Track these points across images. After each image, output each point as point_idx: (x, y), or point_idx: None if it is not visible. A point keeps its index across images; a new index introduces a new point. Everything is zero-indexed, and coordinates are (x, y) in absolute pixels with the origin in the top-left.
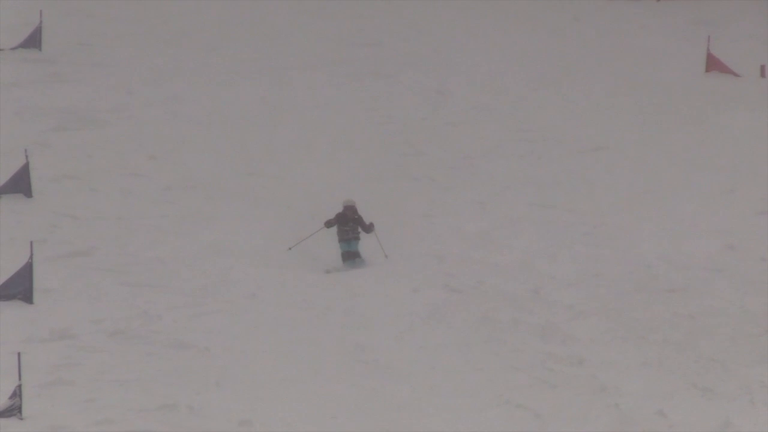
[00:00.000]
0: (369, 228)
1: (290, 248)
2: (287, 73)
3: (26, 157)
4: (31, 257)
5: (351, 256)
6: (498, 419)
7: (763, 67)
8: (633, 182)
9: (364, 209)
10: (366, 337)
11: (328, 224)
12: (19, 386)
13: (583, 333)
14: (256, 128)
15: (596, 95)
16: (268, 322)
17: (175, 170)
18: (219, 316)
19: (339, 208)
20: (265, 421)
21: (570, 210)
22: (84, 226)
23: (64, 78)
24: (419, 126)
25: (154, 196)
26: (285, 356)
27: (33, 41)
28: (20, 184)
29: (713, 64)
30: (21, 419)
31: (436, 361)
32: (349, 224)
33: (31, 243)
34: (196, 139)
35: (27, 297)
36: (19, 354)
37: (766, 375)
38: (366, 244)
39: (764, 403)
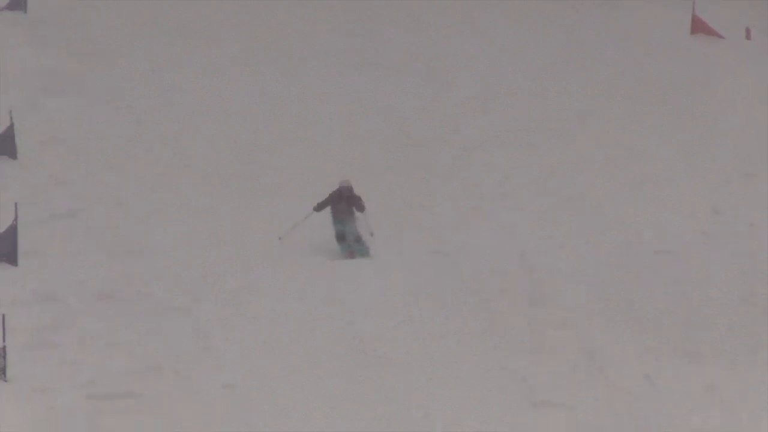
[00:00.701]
0: (361, 207)
1: (281, 238)
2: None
3: (11, 118)
4: (15, 219)
5: (346, 239)
6: (486, 383)
7: (748, 30)
8: (620, 148)
9: (362, 197)
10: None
11: (319, 207)
12: (4, 348)
13: (570, 298)
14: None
15: (583, 64)
16: (255, 285)
17: (159, 132)
18: (205, 280)
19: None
20: (248, 384)
21: (551, 180)
22: (69, 189)
23: (50, 41)
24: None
25: (140, 161)
26: (270, 321)
27: (18, 3)
28: (5, 146)
29: (699, 26)
30: (5, 381)
31: (423, 327)
32: (341, 204)
33: (16, 205)
34: (182, 101)
35: (12, 259)
36: (3, 316)
37: (750, 339)
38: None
39: (747, 367)
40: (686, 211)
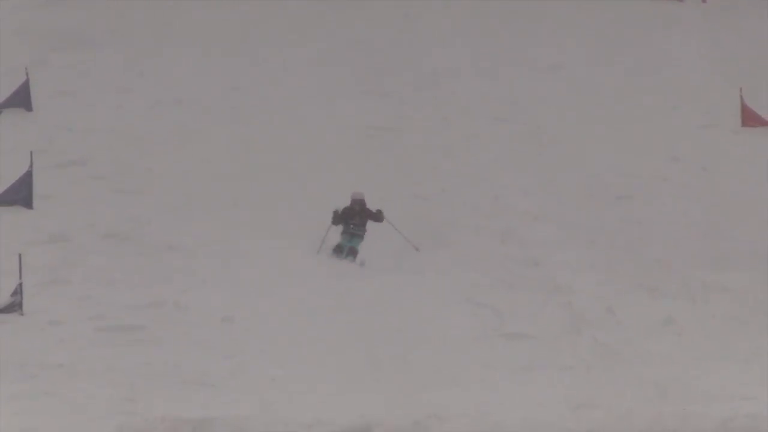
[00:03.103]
0: (378, 217)
1: (318, 251)
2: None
3: (26, 74)
4: (30, 166)
5: (345, 252)
6: (460, 316)
7: None
8: (584, 99)
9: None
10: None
11: (335, 221)
12: (20, 285)
13: (539, 237)
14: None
15: (553, 18)
16: (251, 223)
17: (163, 86)
18: (205, 220)
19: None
20: (245, 318)
21: (527, 125)
22: (79, 138)
23: (61, 1)
24: (385, 47)
25: (143, 111)
26: (266, 258)
27: None
28: (21, 98)
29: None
30: (21, 315)
31: (402, 261)
32: (355, 218)
33: (31, 153)
34: (183, 56)
35: (27, 203)
36: (20, 255)
37: (706, 276)
38: (389, 240)
39: (704, 301)
40: (647, 159)
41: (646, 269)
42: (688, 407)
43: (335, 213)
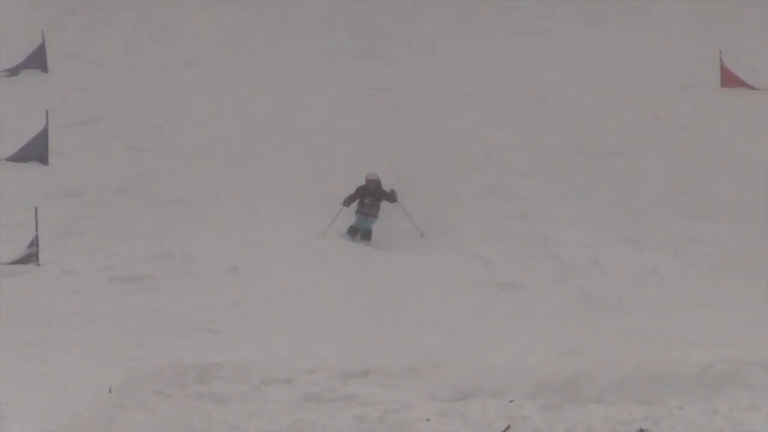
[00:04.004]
0: (392, 197)
1: (324, 233)
2: None
3: (42, 37)
4: (46, 124)
5: (359, 234)
6: (453, 266)
7: None
8: (571, 60)
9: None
10: (335, 193)
11: (347, 202)
12: (36, 237)
13: (528, 192)
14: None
15: None
16: (255, 178)
17: (171, 49)
18: (211, 176)
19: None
20: (249, 268)
21: (517, 85)
22: (92, 98)
23: None
24: (382, 12)
25: (153, 72)
26: (269, 211)
27: None
28: (37, 60)
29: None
30: (38, 265)
31: (398, 217)
32: (369, 198)
33: (47, 112)
34: (191, 19)
35: (43, 159)
36: (36, 209)
37: (687, 228)
38: (397, 223)
39: (685, 253)
40: (631, 118)
41: (630, 222)
42: (669, 353)
43: (347, 198)
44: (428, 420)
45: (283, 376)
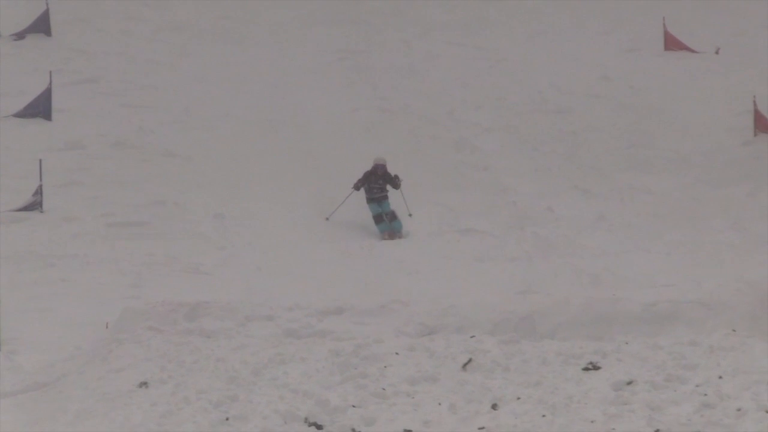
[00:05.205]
0: (396, 182)
1: (327, 218)
2: None
3: (47, 4)
4: (50, 84)
5: (385, 218)
6: (420, 213)
7: None
8: (528, 23)
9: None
10: (312, 146)
11: (357, 186)
12: (40, 186)
13: (488, 145)
14: None
15: None
16: (240, 132)
17: (164, 15)
18: (200, 130)
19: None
20: (235, 215)
21: (478, 47)
22: (92, 59)
23: None
24: None
25: (147, 36)
26: (253, 161)
27: None
28: (42, 25)
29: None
30: (42, 212)
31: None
32: (378, 182)
33: (50, 72)
34: None
35: (47, 115)
36: (40, 161)
37: (633, 179)
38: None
39: (630, 201)
40: (583, 78)
41: (581, 173)
42: (617, 293)
43: (356, 182)
44: (397, 353)
45: (265, 313)
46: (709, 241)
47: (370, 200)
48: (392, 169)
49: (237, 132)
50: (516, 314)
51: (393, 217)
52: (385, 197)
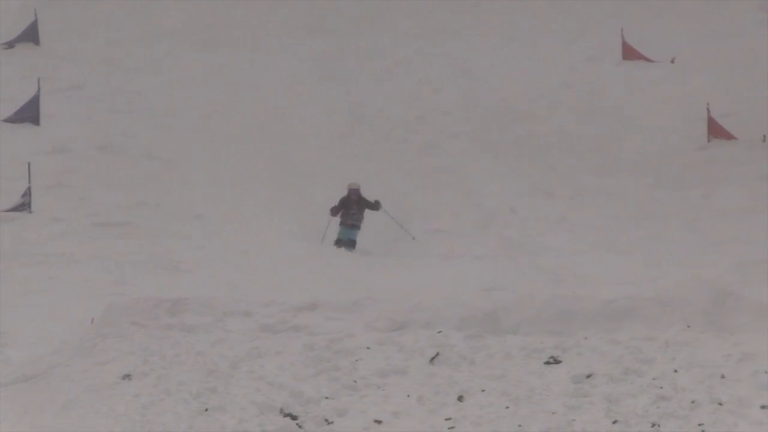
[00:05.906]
0: (376, 206)
1: (321, 242)
2: None
3: (35, 14)
4: (38, 90)
5: (345, 245)
6: (391, 212)
7: None
8: (494, 34)
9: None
10: (289, 149)
11: (334, 212)
12: (29, 188)
13: (456, 149)
14: None
15: None
16: (220, 135)
17: (147, 24)
18: (182, 134)
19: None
20: (214, 216)
21: (447, 55)
22: (79, 67)
23: None
24: None
25: (131, 44)
26: (232, 163)
27: None
28: (31, 34)
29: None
30: (30, 212)
31: (347, 168)
32: (353, 207)
33: (39, 79)
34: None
35: (35, 120)
36: (29, 163)
37: (593, 182)
38: (386, 230)
39: (592, 203)
40: (546, 85)
41: (544, 176)
42: (577, 290)
43: (333, 208)
44: (368, 348)
45: (242, 309)
46: (665, 240)
47: (342, 223)
48: (365, 171)
49: (217, 136)
50: (481, 310)
51: (350, 245)
52: (357, 227)
